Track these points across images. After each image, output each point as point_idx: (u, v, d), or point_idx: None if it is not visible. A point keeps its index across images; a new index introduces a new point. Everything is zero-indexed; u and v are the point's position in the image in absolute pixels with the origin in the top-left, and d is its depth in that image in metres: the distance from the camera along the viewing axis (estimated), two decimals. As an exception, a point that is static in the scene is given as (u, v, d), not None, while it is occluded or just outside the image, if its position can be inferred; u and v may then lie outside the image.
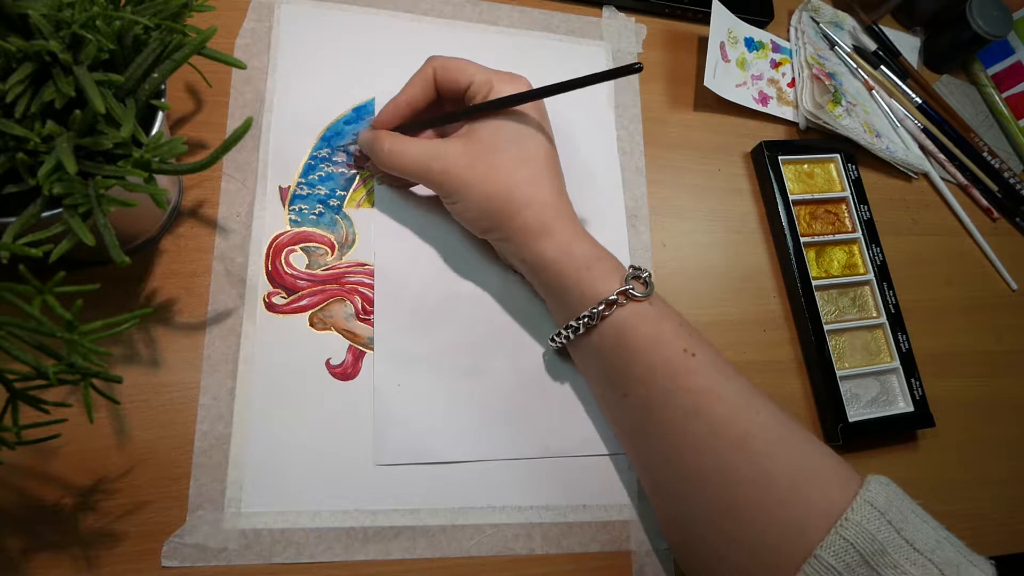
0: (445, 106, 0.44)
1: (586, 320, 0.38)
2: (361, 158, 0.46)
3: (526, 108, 0.41)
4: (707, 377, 0.36)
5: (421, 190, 0.46)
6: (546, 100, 0.41)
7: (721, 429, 0.35)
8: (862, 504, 0.33)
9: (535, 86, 0.46)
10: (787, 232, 0.52)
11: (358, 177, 0.45)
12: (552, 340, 0.42)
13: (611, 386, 0.39)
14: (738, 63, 0.57)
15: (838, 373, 0.48)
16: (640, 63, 0.36)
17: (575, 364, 0.43)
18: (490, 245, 0.44)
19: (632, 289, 0.37)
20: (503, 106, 0.40)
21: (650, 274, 0.39)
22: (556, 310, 0.41)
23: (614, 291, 0.37)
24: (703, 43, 0.57)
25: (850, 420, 0.47)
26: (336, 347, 0.41)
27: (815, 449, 0.36)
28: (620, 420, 0.41)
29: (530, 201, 0.39)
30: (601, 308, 0.37)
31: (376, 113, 0.43)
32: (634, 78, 0.55)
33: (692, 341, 0.37)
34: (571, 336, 0.39)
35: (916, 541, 0.32)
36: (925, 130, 0.61)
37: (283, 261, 0.42)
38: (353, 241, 0.44)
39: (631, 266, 0.39)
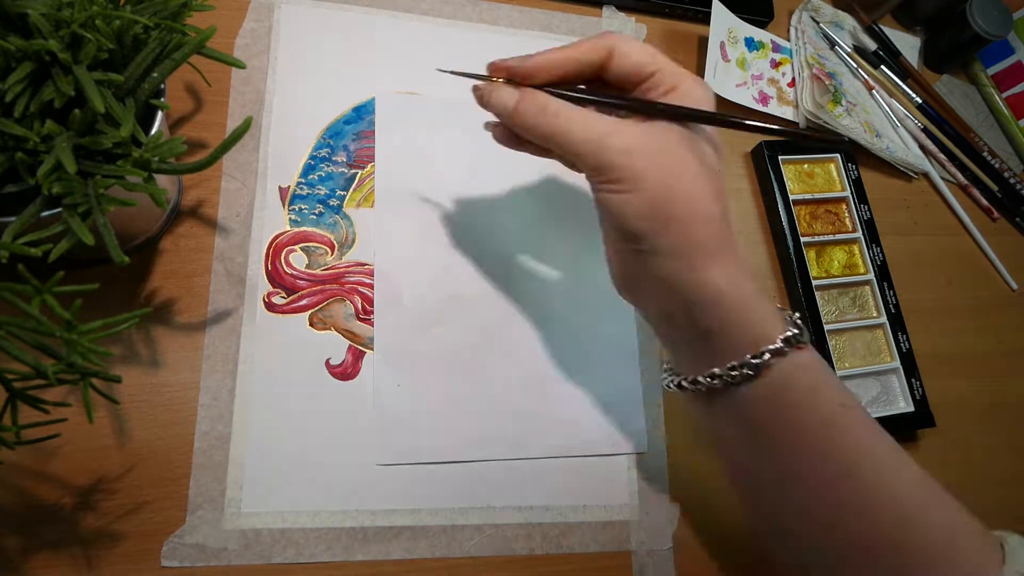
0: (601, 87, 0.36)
1: (744, 370, 0.32)
2: (361, 158, 0.46)
3: (709, 128, 0.35)
4: (857, 433, 0.33)
5: (421, 190, 0.46)
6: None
7: (876, 490, 0.32)
8: (1012, 573, 0.31)
9: None
10: (787, 232, 0.52)
11: (358, 177, 0.45)
12: (681, 385, 0.35)
13: (751, 446, 0.34)
14: (738, 63, 0.57)
15: (838, 373, 0.48)
16: (848, 139, 0.33)
17: (705, 416, 0.36)
18: (493, 247, 0.44)
19: (799, 335, 0.32)
20: (698, 120, 0.34)
21: (800, 316, 0.33)
22: (703, 350, 0.34)
23: (778, 337, 0.32)
24: (703, 43, 0.57)
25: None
26: (336, 347, 0.41)
27: (959, 511, 0.33)
28: (754, 478, 0.36)
29: (709, 216, 0.32)
30: (766, 357, 0.31)
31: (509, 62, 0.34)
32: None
33: (844, 393, 0.33)
34: (711, 385, 0.33)
35: None
36: (925, 130, 0.61)
37: (283, 261, 0.42)
38: (353, 241, 0.44)
39: (779, 306, 0.34)
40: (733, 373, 0.32)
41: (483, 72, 0.35)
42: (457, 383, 0.42)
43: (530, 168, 0.48)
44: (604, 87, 0.35)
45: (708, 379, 0.33)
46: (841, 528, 0.32)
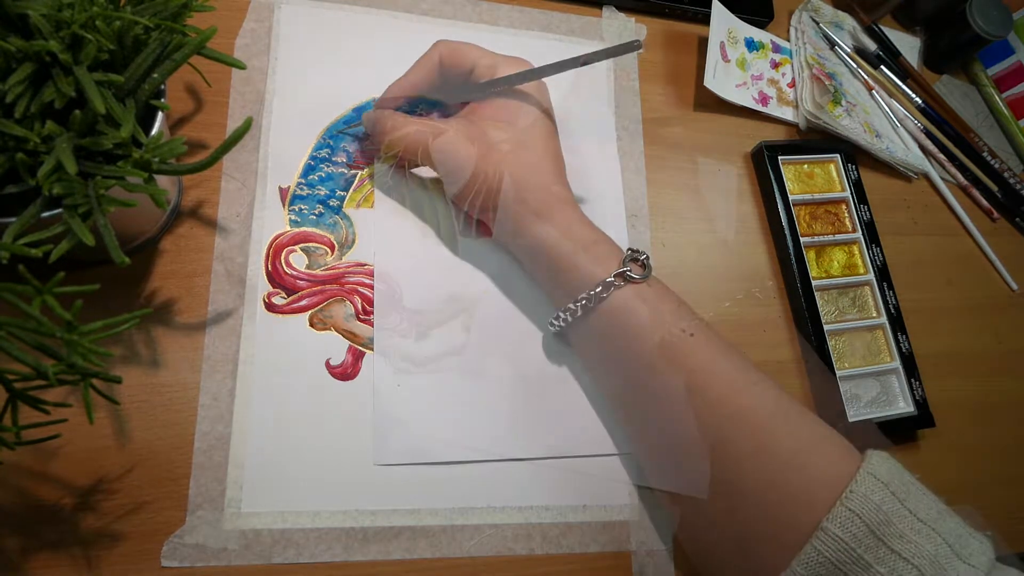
0: (448, 91, 0.45)
1: (584, 302, 0.38)
2: (361, 158, 0.46)
3: (528, 90, 0.42)
4: (705, 355, 0.37)
5: (421, 191, 0.46)
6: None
7: (719, 405, 0.36)
8: (865, 476, 0.33)
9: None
10: (787, 233, 0.52)
11: (358, 177, 0.45)
12: (551, 324, 0.42)
13: (610, 368, 0.40)
14: (738, 63, 0.57)
15: (838, 373, 0.48)
16: (639, 41, 0.37)
17: (574, 348, 0.43)
18: (489, 244, 0.44)
19: (630, 271, 0.38)
20: (502, 85, 0.41)
21: (648, 256, 0.39)
22: (554, 294, 0.42)
23: (612, 273, 0.37)
24: (703, 43, 0.57)
25: (850, 420, 0.47)
26: (336, 347, 0.41)
27: (814, 423, 0.36)
28: (619, 402, 0.41)
29: (531, 185, 0.39)
30: (599, 290, 0.37)
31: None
32: (635, 79, 0.55)
33: (690, 321, 0.37)
34: (569, 319, 0.39)
35: (919, 511, 0.32)
36: (925, 130, 0.61)
37: (283, 261, 0.42)
38: (353, 241, 0.44)
39: (629, 249, 0.39)
40: (576, 305, 0.38)
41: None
42: (456, 383, 0.42)
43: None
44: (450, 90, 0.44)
45: (564, 313, 0.40)
46: (691, 441, 0.36)
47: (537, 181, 0.40)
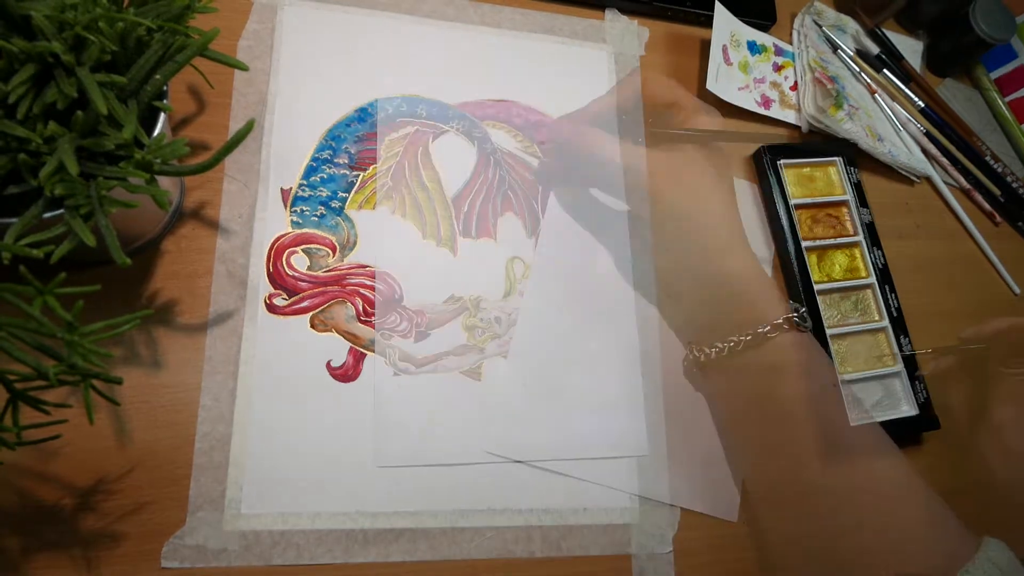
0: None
1: (749, 338, 0.39)
2: (363, 160, 0.46)
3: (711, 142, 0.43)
4: (844, 409, 0.39)
5: (421, 192, 0.46)
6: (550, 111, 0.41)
7: (852, 468, 0.37)
8: (984, 561, 0.34)
9: (541, 95, 0.47)
10: (788, 236, 0.51)
11: (360, 179, 0.45)
12: (702, 350, 0.43)
13: (751, 405, 0.41)
14: (740, 66, 0.57)
15: (841, 377, 0.48)
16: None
17: (706, 377, 0.44)
18: (489, 244, 0.44)
19: (797, 318, 0.39)
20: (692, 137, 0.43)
21: (806, 310, 0.41)
22: (715, 324, 0.42)
23: (781, 316, 0.39)
24: (705, 46, 0.57)
25: (853, 424, 0.47)
26: (337, 349, 0.41)
27: (939, 504, 0.38)
28: (750, 438, 0.42)
29: (720, 218, 0.41)
30: (767, 330, 0.39)
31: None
32: (636, 80, 0.54)
33: (837, 377, 0.39)
34: (725, 351, 0.41)
35: None
36: (928, 134, 0.61)
37: (284, 262, 0.42)
38: (354, 243, 0.44)
39: (790, 300, 0.41)
40: (739, 340, 0.40)
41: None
42: (457, 385, 0.42)
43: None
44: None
45: (713, 348, 0.41)
46: (822, 494, 0.38)
47: (727, 215, 0.42)
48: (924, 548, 0.36)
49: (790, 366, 0.39)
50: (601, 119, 0.45)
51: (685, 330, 0.46)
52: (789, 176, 0.54)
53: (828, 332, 0.49)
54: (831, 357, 0.49)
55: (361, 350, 0.42)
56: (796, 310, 0.40)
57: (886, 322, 0.51)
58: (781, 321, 0.39)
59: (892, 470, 0.38)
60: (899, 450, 0.39)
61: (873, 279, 0.53)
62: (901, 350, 0.51)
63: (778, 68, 0.59)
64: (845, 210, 0.55)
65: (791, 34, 0.61)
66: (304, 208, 0.44)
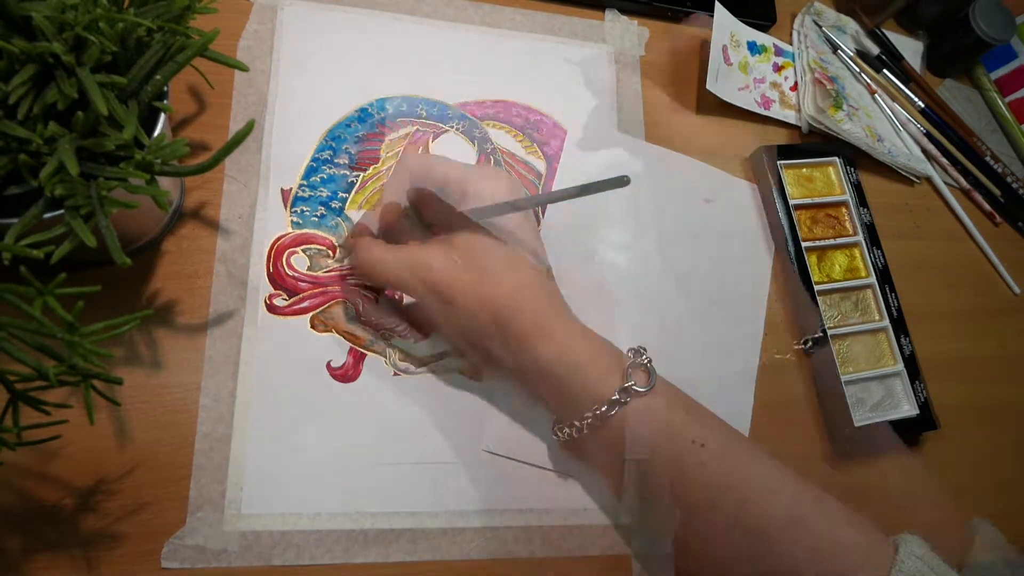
0: (422, 207, 0.42)
1: (589, 421, 0.36)
2: (363, 160, 0.46)
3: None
4: (718, 467, 0.36)
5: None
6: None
7: (736, 520, 0.35)
8: (908, 556, 0.33)
9: (541, 95, 0.45)
10: (788, 236, 0.52)
11: (360, 179, 0.45)
12: (555, 434, 0.40)
13: (621, 479, 0.38)
14: (740, 67, 0.57)
15: (842, 378, 0.48)
16: (627, 177, 0.35)
17: (580, 456, 0.41)
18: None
19: (635, 384, 0.36)
20: (483, 216, 0.38)
21: (650, 359, 0.37)
22: (559, 410, 0.40)
23: (615, 389, 0.36)
24: (705, 46, 0.57)
25: (856, 425, 0.47)
26: (337, 349, 0.41)
27: (837, 523, 0.35)
28: (637, 511, 0.40)
29: (525, 307, 0.37)
30: (604, 409, 0.36)
31: (359, 216, 0.42)
32: (636, 81, 0.55)
33: (700, 429, 0.36)
34: (575, 435, 0.38)
35: None
36: (928, 134, 0.61)
37: (284, 263, 0.42)
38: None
39: (630, 350, 0.38)
40: (582, 423, 0.37)
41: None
42: (457, 385, 0.42)
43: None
44: (423, 206, 0.41)
45: (570, 429, 0.38)
46: (706, 556, 0.36)
47: (531, 301, 0.37)
48: (840, 561, 0.34)
49: (646, 440, 0.36)
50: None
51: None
52: (788, 176, 0.54)
53: (829, 333, 0.49)
54: (835, 361, 0.49)
55: (361, 350, 0.42)
56: (639, 363, 0.37)
57: (886, 322, 0.51)
58: (617, 395, 0.35)
59: (780, 510, 0.35)
60: (789, 480, 0.36)
61: (873, 279, 0.53)
62: (902, 350, 0.51)
63: (778, 68, 0.59)
64: (845, 210, 0.55)
65: (791, 34, 0.61)
66: (304, 208, 0.44)
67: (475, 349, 0.40)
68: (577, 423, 0.37)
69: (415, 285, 0.38)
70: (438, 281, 0.37)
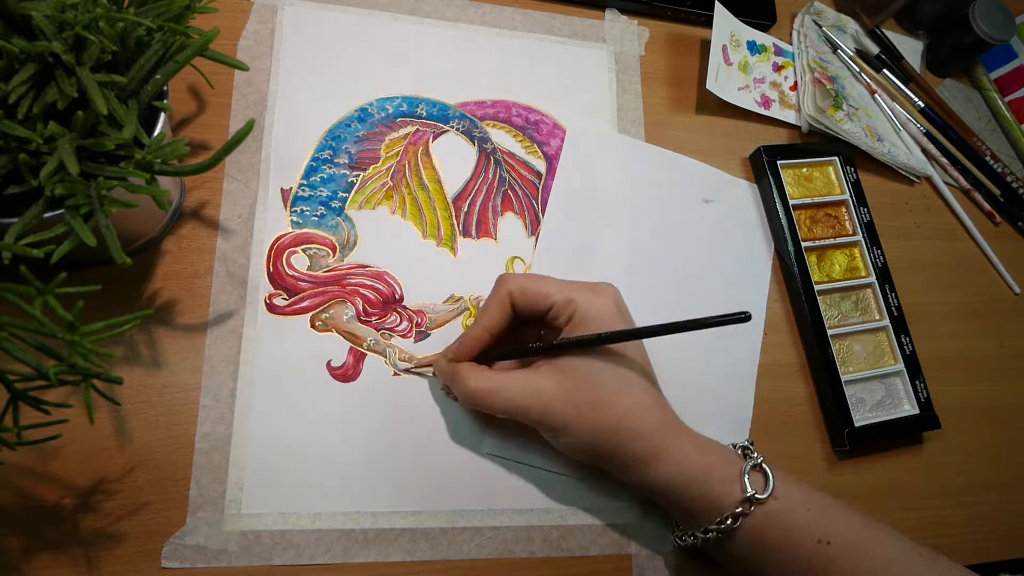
0: (522, 328, 0.41)
1: (715, 534, 0.37)
2: (363, 160, 0.46)
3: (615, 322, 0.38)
4: (846, 564, 0.35)
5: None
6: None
7: None
8: None
9: (541, 95, 0.44)
10: (788, 236, 0.51)
11: (360, 179, 0.45)
12: (676, 541, 0.40)
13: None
14: (740, 66, 0.57)
15: (843, 378, 0.48)
16: (749, 313, 0.33)
17: (713, 553, 0.40)
18: (489, 244, 0.44)
19: (756, 493, 0.36)
20: (594, 344, 0.37)
21: (763, 457, 0.37)
22: (681, 520, 0.40)
23: (737, 501, 0.36)
24: (705, 46, 0.57)
25: (856, 425, 0.47)
26: (337, 349, 0.41)
27: None
28: None
29: (641, 431, 0.37)
30: (729, 522, 0.36)
31: (457, 343, 0.40)
32: (637, 81, 0.55)
33: (823, 525, 0.36)
34: (698, 545, 0.38)
35: None
36: (927, 134, 0.61)
37: (284, 262, 0.42)
38: (354, 243, 0.44)
39: (742, 447, 0.39)
40: (708, 536, 0.37)
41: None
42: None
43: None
44: (525, 328, 0.41)
45: (692, 538, 0.38)
46: None
47: (646, 423, 0.37)
48: None
49: (767, 547, 0.36)
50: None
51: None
52: (787, 176, 0.54)
53: (829, 333, 0.49)
54: (835, 361, 0.49)
55: (361, 350, 0.42)
56: (754, 465, 0.37)
57: (886, 321, 0.51)
58: (739, 508, 0.36)
59: None
60: (913, 553, 0.36)
61: (873, 279, 0.53)
62: (902, 349, 0.51)
63: (778, 68, 0.59)
64: (844, 210, 0.55)
65: (791, 34, 0.61)
66: (304, 208, 0.44)
67: (597, 463, 0.39)
68: (700, 534, 0.37)
69: (526, 413, 0.37)
70: (549, 409, 0.37)
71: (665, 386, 0.40)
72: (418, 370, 0.42)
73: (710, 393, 0.46)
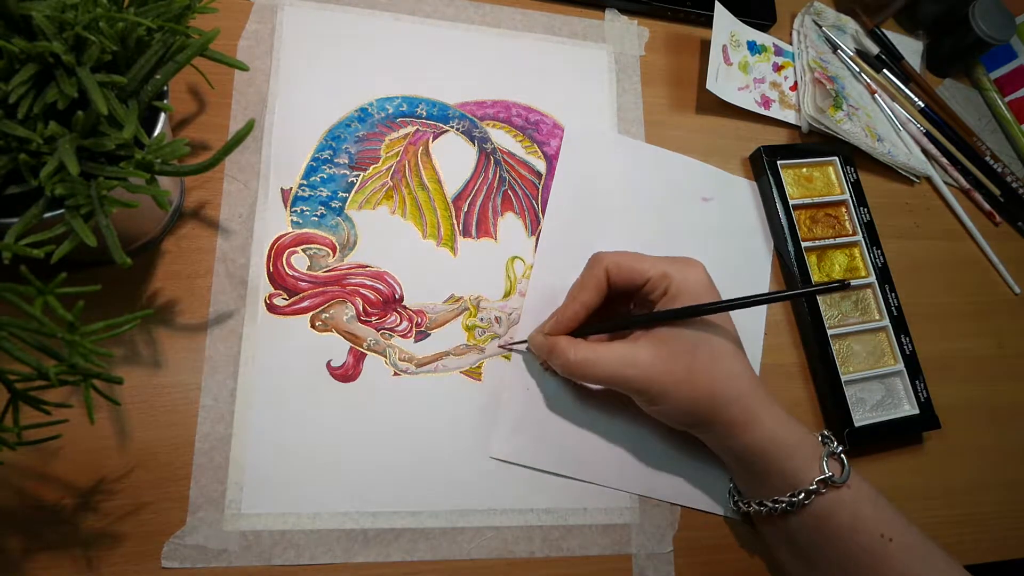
0: (615, 302, 0.43)
1: (784, 506, 0.38)
2: (363, 160, 0.46)
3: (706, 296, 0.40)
4: (902, 563, 0.37)
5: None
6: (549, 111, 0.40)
7: None
8: None
9: (541, 95, 0.44)
10: (787, 236, 0.51)
11: (360, 179, 0.45)
12: (740, 505, 0.42)
13: (805, 563, 0.40)
14: (740, 66, 0.57)
15: (843, 378, 0.48)
16: (849, 282, 0.36)
17: (758, 528, 0.43)
18: (489, 244, 0.44)
19: (833, 477, 0.37)
20: (688, 316, 0.39)
21: (844, 449, 0.39)
22: (750, 487, 0.41)
23: (814, 480, 0.37)
24: (705, 46, 0.57)
25: (856, 425, 0.47)
26: (337, 349, 0.41)
27: None
28: None
29: (733, 397, 0.38)
30: (801, 496, 0.37)
31: (551, 318, 0.42)
32: (637, 81, 0.55)
33: (888, 524, 0.38)
34: (762, 513, 0.40)
35: None
36: (928, 134, 0.61)
37: (284, 262, 0.42)
38: (354, 243, 0.44)
39: (823, 436, 0.40)
40: (776, 506, 0.39)
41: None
42: (457, 385, 0.42)
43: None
44: (614, 303, 0.42)
45: (759, 506, 0.40)
46: None
47: (740, 391, 0.38)
48: None
49: (831, 528, 0.37)
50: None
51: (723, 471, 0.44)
52: (787, 176, 0.54)
53: (829, 333, 0.49)
54: (835, 361, 0.49)
55: (361, 350, 0.42)
56: (832, 452, 0.38)
57: (886, 321, 0.51)
58: (815, 485, 0.37)
59: None
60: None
61: (873, 279, 0.53)
62: (902, 349, 0.51)
63: (778, 68, 0.59)
64: (844, 210, 0.55)
65: (791, 34, 0.61)
66: (304, 208, 0.44)
67: (690, 430, 0.41)
68: (768, 503, 0.39)
69: (624, 382, 0.39)
70: (648, 378, 0.38)
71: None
72: (512, 346, 0.44)
73: None
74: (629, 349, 0.39)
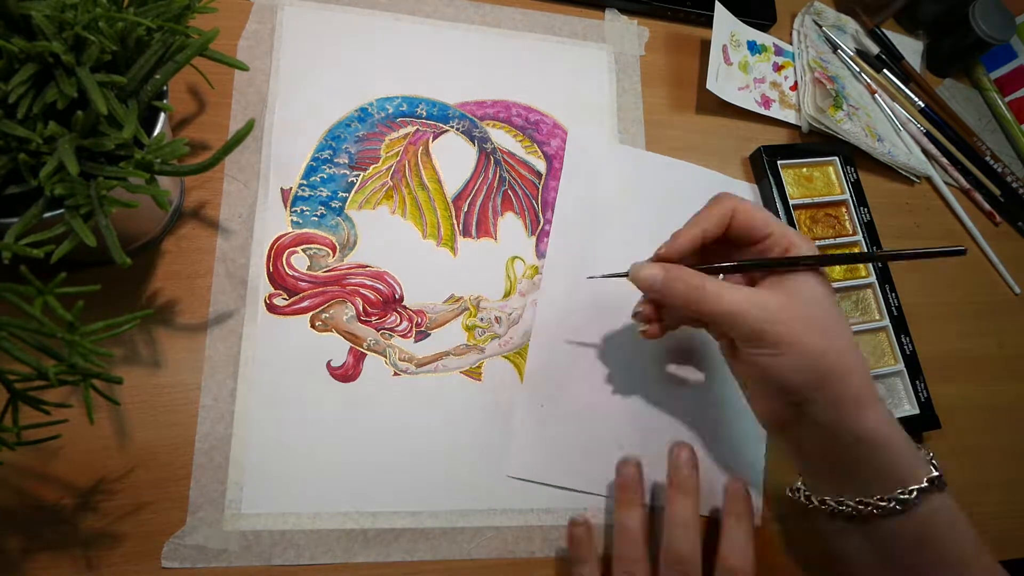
0: (711, 255, 0.40)
1: (895, 505, 0.35)
2: (363, 160, 0.46)
3: (823, 276, 0.38)
4: (995, 570, 0.36)
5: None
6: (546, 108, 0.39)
7: None
8: None
9: (541, 95, 0.44)
10: (789, 235, 0.51)
11: (360, 179, 0.45)
12: (813, 501, 0.38)
13: (889, 571, 0.37)
14: (740, 66, 0.57)
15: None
16: (965, 249, 0.35)
17: (824, 530, 0.39)
18: (489, 244, 0.44)
19: (942, 478, 0.35)
20: (803, 263, 0.37)
21: (932, 456, 0.36)
22: (833, 479, 0.37)
23: (925, 478, 0.34)
24: (705, 46, 0.57)
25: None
26: (337, 349, 0.41)
27: None
28: None
29: (855, 369, 0.35)
30: (913, 495, 0.34)
31: (661, 244, 0.39)
32: (637, 81, 0.55)
33: (975, 534, 0.36)
34: (854, 513, 0.36)
35: None
36: (928, 134, 0.61)
37: (284, 262, 0.42)
38: (354, 243, 0.44)
39: (918, 446, 0.37)
40: (882, 505, 0.35)
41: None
42: (457, 385, 0.42)
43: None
44: (719, 245, 0.39)
45: (857, 505, 0.36)
46: None
47: (860, 365, 0.36)
48: None
49: (934, 534, 0.35)
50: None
51: (792, 462, 0.40)
52: (787, 176, 0.54)
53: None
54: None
55: (361, 350, 0.42)
56: (931, 462, 0.36)
57: (887, 321, 0.51)
58: (925, 484, 0.34)
59: None
60: None
61: (873, 278, 0.53)
62: (902, 349, 0.51)
63: (778, 68, 0.59)
64: (844, 209, 0.55)
65: (791, 34, 0.61)
66: (304, 208, 0.44)
67: (782, 398, 0.37)
68: (852, 503, 0.36)
69: (745, 321, 0.36)
70: (774, 321, 0.35)
71: (675, 389, 0.40)
72: (609, 274, 0.41)
73: (712, 397, 0.46)
74: (758, 292, 0.36)
